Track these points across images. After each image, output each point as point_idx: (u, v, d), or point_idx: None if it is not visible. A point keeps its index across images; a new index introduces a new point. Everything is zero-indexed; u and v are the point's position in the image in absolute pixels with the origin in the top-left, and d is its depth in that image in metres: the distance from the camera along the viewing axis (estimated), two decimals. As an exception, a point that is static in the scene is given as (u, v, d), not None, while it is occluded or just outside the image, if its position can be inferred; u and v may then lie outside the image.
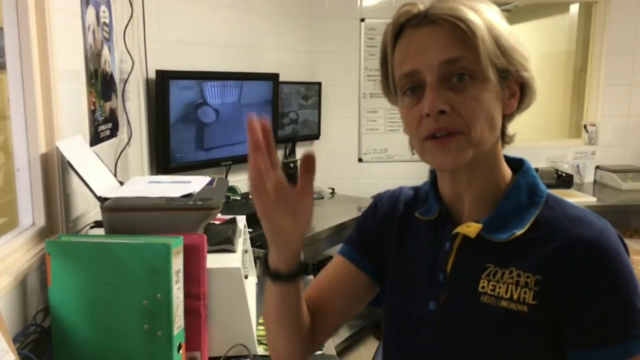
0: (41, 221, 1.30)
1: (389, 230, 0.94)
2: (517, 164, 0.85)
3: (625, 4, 3.49)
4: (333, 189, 3.36)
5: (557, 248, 0.75)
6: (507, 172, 0.84)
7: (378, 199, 1.00)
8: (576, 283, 0.73)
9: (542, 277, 0.75)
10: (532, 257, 0.76)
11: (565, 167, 3.55)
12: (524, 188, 0.81)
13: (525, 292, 0.75)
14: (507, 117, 0.82)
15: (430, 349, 0.83)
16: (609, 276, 0.72)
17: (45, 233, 1.30)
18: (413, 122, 0.77)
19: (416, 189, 0.96)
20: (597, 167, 3.60)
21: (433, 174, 0.89)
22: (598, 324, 0.72)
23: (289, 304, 0.84)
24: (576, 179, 3.51)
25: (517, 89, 0.79)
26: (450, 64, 0.73)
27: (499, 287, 0.77)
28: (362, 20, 3.41)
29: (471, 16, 0.73)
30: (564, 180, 3.38)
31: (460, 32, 0.73)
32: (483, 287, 0.78)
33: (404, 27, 0.78)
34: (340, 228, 2.68)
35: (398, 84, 0.79)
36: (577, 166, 3.58)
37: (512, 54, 0.76)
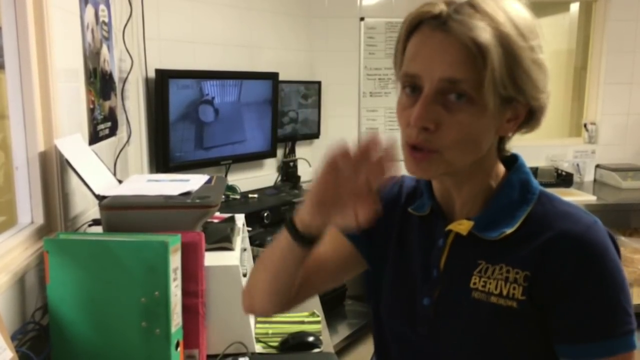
0: (40, 219, 1.31)
1: (391, 218, 0.93)
2: (510, 160, 0.84)
3: (625, 2, 3.48)
4: (333, 188, 3.36)
5: (544, 242, 0.75)
6: (500, 169, 0.83)
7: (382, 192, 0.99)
8: (561, 277, 0.73)
9: (530, 272, 0.75)
10: (521, 253, 0.77)
11: (565, 166, 3.54)
12: (516, 185, 0.81)
13: (514, 288, 0.76)
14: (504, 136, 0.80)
15: (426, 343, 0.84)
16: (594, 272, 0.73)
17: (43, 231, 1.30)
18: (402, 123, 0.77)
19: (417, 182, 0.95)
20: (597, 166, 3.59)
21: None
22: (581, 319, 0.73)
23: (292, 267, 0.83)
24: (576, 178, 3.51)
25: (522, 114, 0.76)
26: (450, 82, 0.71)
27: (490, 283, 0.78)
28: (362, 19, 3.41)
29: (489, 40, 0.68)
30: (564, 179, 3.38)
31: (471, 54, 0.69)
32: (474, 284, 0.79)
33: (422, 22, 0.75)
34: (339, 227, 2.68)
35: (401, 77, 0.78)
36: (577, 165, 3.58)
37: (524, 85, 0.72)
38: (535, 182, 0.82)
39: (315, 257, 0.94)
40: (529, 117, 0.78)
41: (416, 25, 0.76)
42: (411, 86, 0.76)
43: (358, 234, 0.95)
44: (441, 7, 0.72)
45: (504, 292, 0.76)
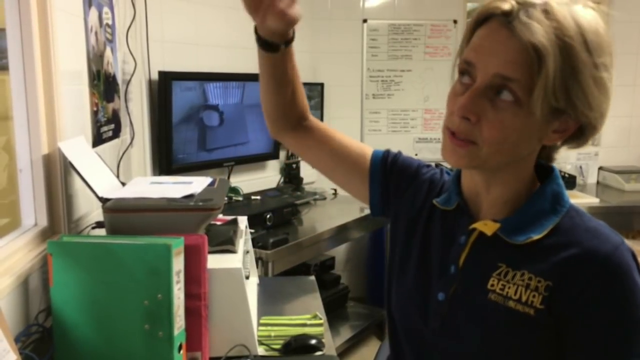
0: (43, 222, 1.31)
1: (421, 198, 0.94)
2: (545, 170, 0.85)
3: (628, 4, 3.48)
4: (335, 190, 3.36)
5: (571, 257, 0.75)
6: (533, 178, 0.84)
7: (425, 172, 0.98)
8: (584, 294, 0.73)
9: (552, 283, 0.75)
10: (545, 262, 0.77)
11: (568, 168, 3.54)
12: (548, 196, 0.81)
13: (534, 296, 0.76)
14: (550, 147, 0.81)
15: (437, 339, 0.84)
16: (617, 292, 0.73)
17: (47, 233, 1.31)
18: (449, 108, 0.78)
19: (449, 175, 0.95)
20: (600, 168, 3.59)
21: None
22: (601, 338, 0.73)
23: (270, 70, 0.95)
24: (579, 180, 3.50)
25: (571, 128, 0.76)
26: (503, 79, 0.71)
27: (509, 288, 0.78)
28: (365, 21, 3.41)
29: (549, 48, 0.68)
30: (567, 181, 3.37)
31: (529, 57, 0.69)
32: (492, 285, 0.79)
33: (491, 16, 0.75)
34: (342, 228, 2.68)
35: (459, 63, 0.79)
36: (580, 167, 3.57)
37: (576, 99, 0.71)
38: (566, 195, 0.83)
39: (333, 134, 1.02)
40: (579, 133, 0.78)
41: (484, 18, 0.76)
42: (467, 74, 0.77)
43: (380, 175, 0.97)
44: (512, 4, 0.72)
45: (523, 299, 0.76)
